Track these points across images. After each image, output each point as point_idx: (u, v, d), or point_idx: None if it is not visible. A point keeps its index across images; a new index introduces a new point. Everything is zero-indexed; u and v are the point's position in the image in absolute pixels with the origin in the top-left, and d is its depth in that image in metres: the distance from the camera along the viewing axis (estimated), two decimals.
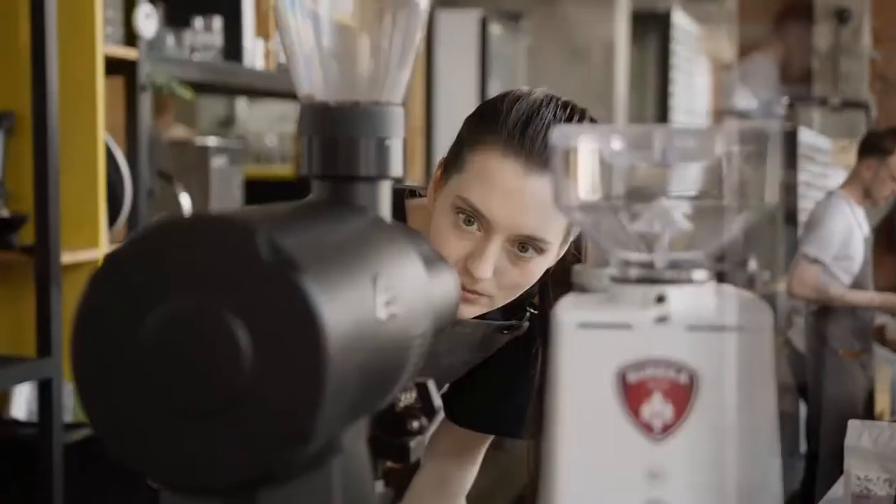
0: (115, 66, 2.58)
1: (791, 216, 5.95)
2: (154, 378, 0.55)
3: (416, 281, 0.67)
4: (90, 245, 2.52)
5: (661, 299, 0.61)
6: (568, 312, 0.61)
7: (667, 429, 0.60)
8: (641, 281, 0.62)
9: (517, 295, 1.22)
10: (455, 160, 1.20)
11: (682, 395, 0.60)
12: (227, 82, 3.14)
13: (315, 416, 0.54)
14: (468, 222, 1.16)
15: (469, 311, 1.20)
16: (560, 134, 0.64)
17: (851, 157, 4.74)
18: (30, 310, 2.35)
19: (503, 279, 1.18)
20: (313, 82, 0.69)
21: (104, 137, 2.47)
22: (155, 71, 2.64)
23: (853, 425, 1.80)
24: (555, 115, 1.17)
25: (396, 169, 0.69)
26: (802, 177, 5.96)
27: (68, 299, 2.35)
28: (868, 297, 4.24)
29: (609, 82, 5.76)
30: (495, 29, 5.06)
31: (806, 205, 5.66)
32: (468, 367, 1.38)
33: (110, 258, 0.56)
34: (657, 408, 0.60)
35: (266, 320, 0.54)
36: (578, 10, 5.72)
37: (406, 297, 0.64)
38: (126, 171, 2.56)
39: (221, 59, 3.03)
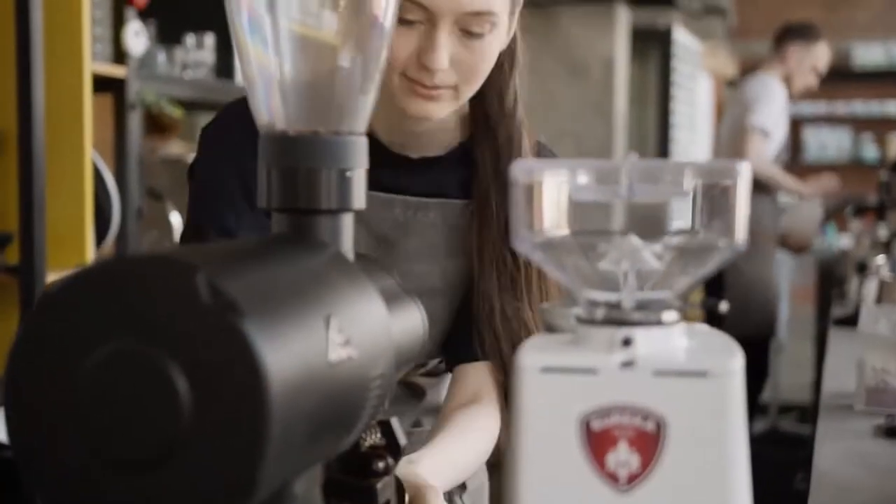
0: (105, 84, 2.56)
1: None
2: (88, 425, 0.52)
3: (376, 319, 0.64)
4: (77, 265, 2.49)
5: (627, 342, 0.58)
6: (530, 356, 0.58)
7: (633, 479, 0.57)
8: (608, 322, 0.59)
9: (480, 83, 1.19)
10: None
11: (649, 443, 0.57)
12: (218, 100, 3.11)
13: (258, 466, 0.51)
14: (409, 24, 1.13)
15: (437, 109, 1.18)
16: (522, 168, 0.61)
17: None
18: (14, 331, 2.32)
19: (461, 66, 1.15)
20: (273, 110, 0.66)
21: (92, 155, 2.45)
22: (145, 89, 2.61)
23: (868, 310, 1.61)
24: None
25: (359, 201, 0.67)
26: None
27: None
28: (797, 184, 4.25)
29: (609, 99, 5.74)
30: None
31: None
32: (444, 284, 1.28)
33: (45, 298, 0.54)
34: (623, 457, 0.57)
35: (205, 366, 0.51)
36: (578, 27, 5.70)
37: (364, 336, 0.61)
38: (114, 190, 2.53)
39: (213, 77, 3.01)
